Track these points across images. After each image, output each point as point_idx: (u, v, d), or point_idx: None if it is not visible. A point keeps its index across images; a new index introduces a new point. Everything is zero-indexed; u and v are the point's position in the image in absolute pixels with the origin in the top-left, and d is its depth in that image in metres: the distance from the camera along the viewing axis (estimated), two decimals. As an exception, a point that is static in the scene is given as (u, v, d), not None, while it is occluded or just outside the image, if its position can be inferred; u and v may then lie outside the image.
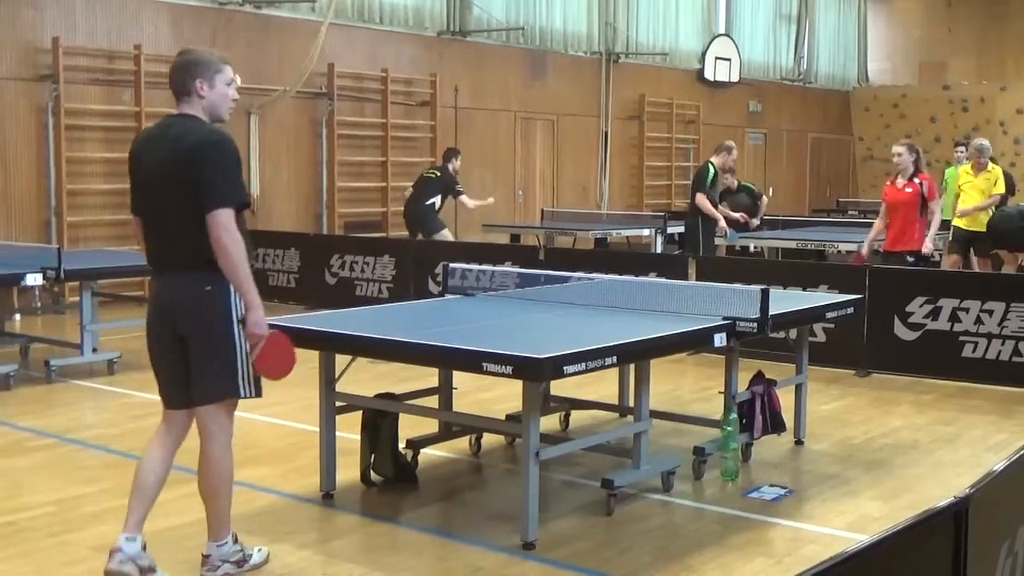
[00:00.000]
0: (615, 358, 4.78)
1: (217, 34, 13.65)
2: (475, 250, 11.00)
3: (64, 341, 9.12)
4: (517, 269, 7.80)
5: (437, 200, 12.61)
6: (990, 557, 2.66)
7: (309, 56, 13.87)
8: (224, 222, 4.05)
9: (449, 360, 4.95)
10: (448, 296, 6.63)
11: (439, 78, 16.26)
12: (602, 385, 7.09)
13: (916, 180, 9.27)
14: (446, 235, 12.63)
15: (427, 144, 16.26)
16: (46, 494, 5.54)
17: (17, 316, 11.11)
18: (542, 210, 16.76)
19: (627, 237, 15.50)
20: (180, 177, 4.10)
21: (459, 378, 6.00)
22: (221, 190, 4.08)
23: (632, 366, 5.69)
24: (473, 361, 4.56)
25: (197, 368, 4.22)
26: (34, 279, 8.12)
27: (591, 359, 4.57)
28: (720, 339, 5.28)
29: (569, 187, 18.76)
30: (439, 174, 12.78)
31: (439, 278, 10.74)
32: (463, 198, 12.73)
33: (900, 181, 9.35)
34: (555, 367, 4.40)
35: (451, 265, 6.83)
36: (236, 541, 4.47)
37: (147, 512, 4.31)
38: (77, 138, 12.39)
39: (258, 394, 4.31)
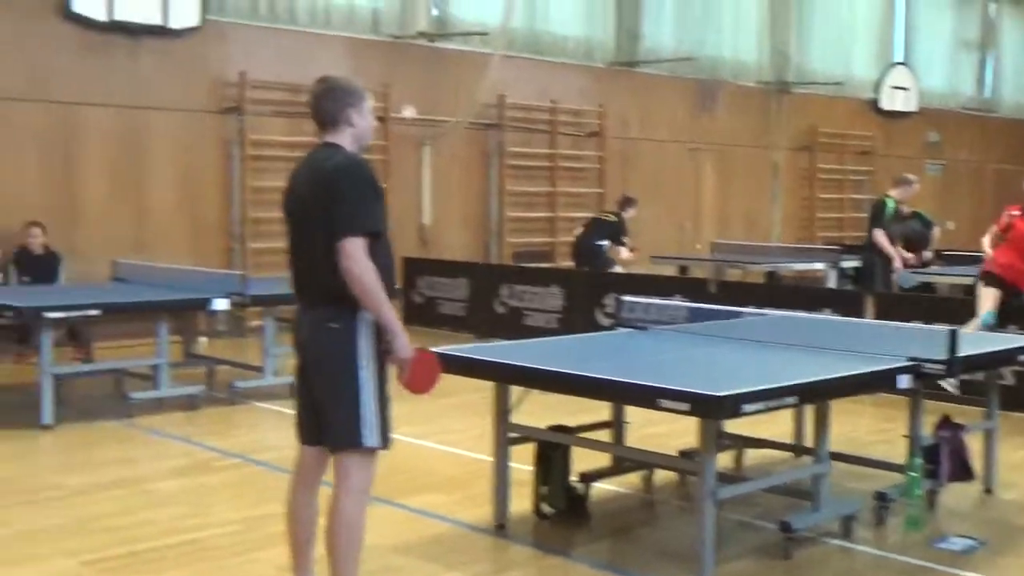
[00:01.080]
0: (796, 398, 4.71)
1: (393, 67, 14.04)
2: (643, 282, 10.96)
3: (246, 364, 9.49)
4: (688, 303, 7.74)
5: (606, 243, 12.87)
6: None
7: (480, 88, 14.12)
8: (351, 251, 3.84)
9: (625, 395, 4.94)
10: (620, 329, 6.63)
11: (607, 109, 16.33)
12: (773, 424, 6.95)
13: None
14: (617, 270, 12.72)
15: (595, 175, 16.33)
16: (232, 512, 5.77)
17: (203, 339, 11.61)
18: (711, 242, 16.59)
19: (799, 271, 15.19)
20: (315, 206, 3.95)
21: (628, 412, 5.99)
22: (350, 218, 3.87)
23: (810, 406, 5.58)
24: (649, 397, 4.54)
25: (323, 413, 4.02)
26: (220, 304, 8.49)
27: (771, 398, 4.49)
28: (905, 381, 5.13)
29: (738, 219, 18.53)
30: (614, 220, 13.04)
31: (608, 309, 10.75)
32: (621, 249, 12.95)
33: None
34: (733, 405, 4.35)
35: (622, 297, 6.83)
36: None
37: (310, 555, 4.21)
38: (260, 168, 12.90)
39: (384, 445, 4.01)
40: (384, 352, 3.97)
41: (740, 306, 7.34)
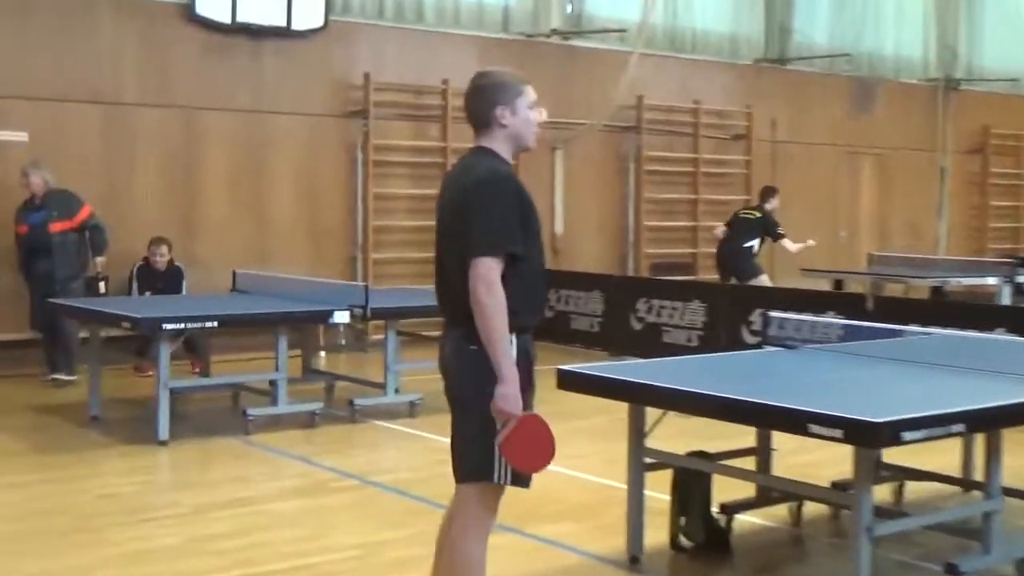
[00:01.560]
0: (963, 426, 4.51)
1: (524, 67, 13.92)
2: (794, 297, 10.73)
3: (367, 380, 9.61)
4: (842, 320, 7.55)
5: (755, 243, 12.72)
6: None
7: (617, 88, 14.07)
8: (482, 273, 3.76)
9: (771, 419, 4.82)
10: (767, 348, 6.49)
11: (755, 109, 16.11)
12: (938, 455, 6.71)
13: None
14: (764, 281, 12.57)
15: (741, 181, 16.12)
16: (350, 537, 5.83)
17: (322, 353, 11.82)
18: (868, 254, 16.18)
19: (968, 286, 14.68)
20: (454, 220, 3.93)
21: (775, 438, 5.86)
22: (483, 235, 3.79)
23: (979, 435, 5.36)
24: (798, 421, 4.42)
25: (456, 439, 4.00)
26: (341, 317, 8.62)
27: (934, 425, 4.34)
28: (1089, 409, 4.87)
29: (900, 229, 18.05)
30: (758, 215, 12.86)
31: (754, 326, 10.57)
32: (784, 242, 12.80)
33: None
34: (892, 432, 4.20)
35: (770, 313, 6.70)
36: None
37: None
38: (384, 174, 13.10)
39: (519, 483, 3.91)
40: (487, 395, 3.79)
41: (901, 324, 7.11)
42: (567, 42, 14.70)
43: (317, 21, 12.59)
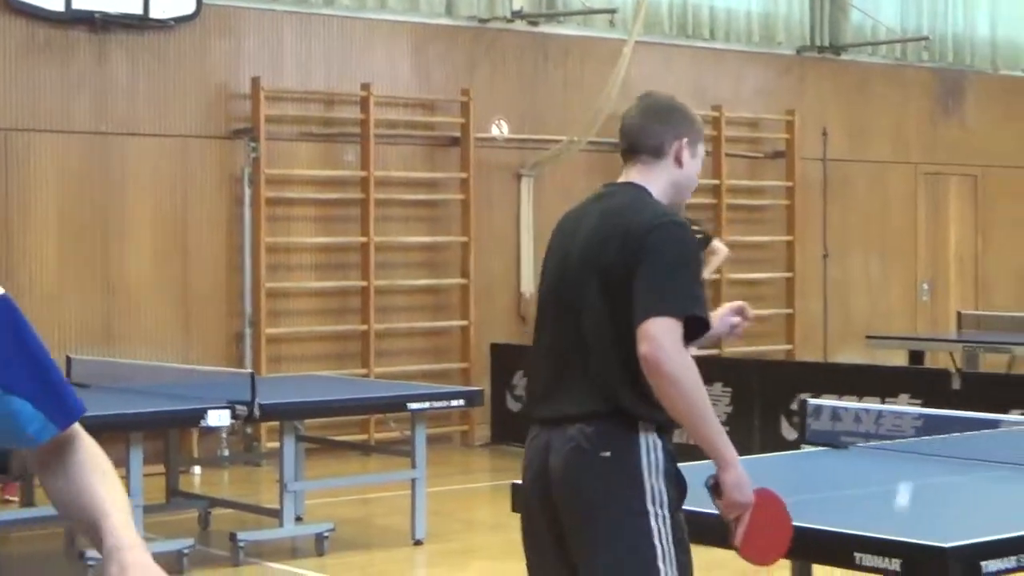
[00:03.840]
0: (1070, 551, 4.56)
1: (476, 64, 14.22)
2: (851, 376, 10.82)
3: (257, 506, 9.60)
4: (918, 409, 7.64)
5: None
6: None
7: (606, 90, 14.18)
8: (659, 336, 3.96)
9: (806, 547, 4.85)
10: (806, 448, 6.55)
11: (799, 116, 16.26)
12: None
13: None
14: None
15: (780, 215, 16.25)
16: None
17: (197, 469, 11.77)
18: (959, 313, 16.32)
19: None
20: (602, 269, 4.14)
21: (814, 572, 5.89)
22: (670, 290, 4.05)
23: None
24: (840, 548, 4.46)
25: None
26: (218, 418, 8.60)
27: (1029, 551, 4.38)
28: None
29: (1005, 277, 18.21)
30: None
31: (796, 419, 10.63)
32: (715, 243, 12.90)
33: None
34: (967, 562, 4.24)
35: (811, 402, 6.75)
36: None
37: None
38: (281, 216, 13.12)
39: None
40: (712, 488, 4.10)
41: (1000, 411, 7.21)
42: (536, 28, 14.82)
43: (186, 6, 12.62)
